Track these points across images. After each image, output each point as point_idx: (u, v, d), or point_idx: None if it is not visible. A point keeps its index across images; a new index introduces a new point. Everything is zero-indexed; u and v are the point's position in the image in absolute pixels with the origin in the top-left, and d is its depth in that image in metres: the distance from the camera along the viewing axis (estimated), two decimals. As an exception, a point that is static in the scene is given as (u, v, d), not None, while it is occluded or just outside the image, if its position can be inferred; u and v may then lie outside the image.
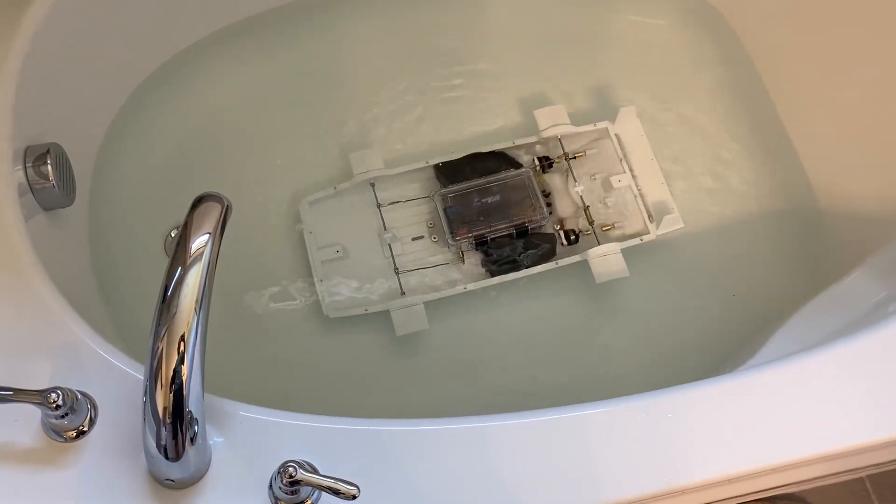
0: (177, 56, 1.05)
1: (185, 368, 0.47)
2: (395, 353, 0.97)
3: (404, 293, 0.97)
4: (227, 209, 0.52)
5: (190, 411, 0.49)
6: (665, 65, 1.16)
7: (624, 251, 0.98)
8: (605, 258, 0.97)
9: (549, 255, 0.99)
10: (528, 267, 0.98)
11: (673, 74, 1.15)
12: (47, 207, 0.75)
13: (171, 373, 0.47)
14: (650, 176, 1.04)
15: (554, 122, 1.04)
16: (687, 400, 0.61)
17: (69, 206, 0.77)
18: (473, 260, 1.00)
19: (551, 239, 1.00)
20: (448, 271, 1.00)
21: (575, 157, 1.04)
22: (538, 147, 1.06)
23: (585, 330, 1.00)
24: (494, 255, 0.99)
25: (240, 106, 1.09)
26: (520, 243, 0.99)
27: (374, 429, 0.59)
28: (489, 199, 1.00)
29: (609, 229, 1.01)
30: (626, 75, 1.14)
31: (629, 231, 1.02)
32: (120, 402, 0.58)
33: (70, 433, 0.56)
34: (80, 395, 0.55)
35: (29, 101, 0.74)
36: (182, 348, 0.47)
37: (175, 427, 0.48)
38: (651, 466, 0.58)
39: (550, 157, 1.05)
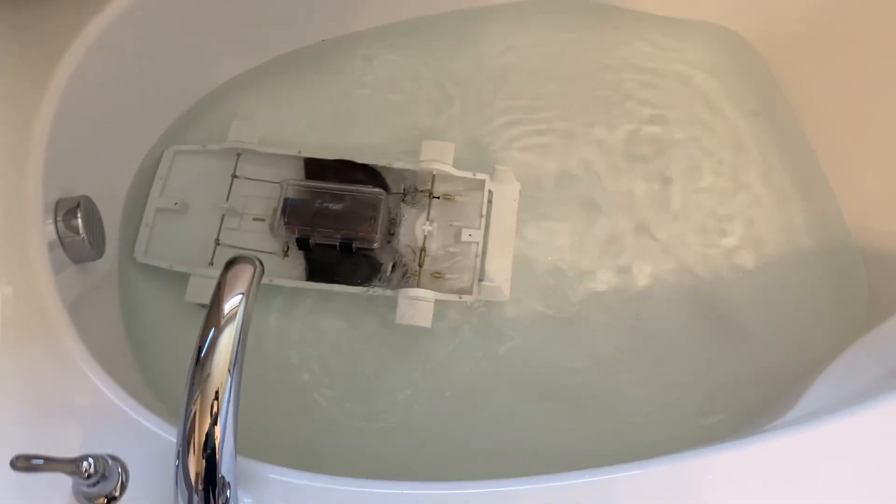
0: (198, 102, 1.07)
1: (217, 432, 0.46)
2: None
3: (212, 264, 0.96)
4: (258, 270, 0.52)
5: (223, 476, 0.47)
6: (704, 109, 1.15)
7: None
8: (415, 302, 0.93)
9: (366, 280, 0.96)
10: (339, 283, 0.95)
11: (712, 119, 1.14)
12: (77, 260, 0.74)
13: (204, 437, 0.46)
14: (502, 242, 0.99)
15: (436, 158, 1.02)
16: (717, 462, 0.58)
17: (99, 258, 0.76)
18: (295, 259, 0.98)
19: (376, 265, 0.97)
20: (267, 260, 0.98)
21: (439, 198, 1.01)
22: (413, 176, 1.03)
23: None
24: (314, 261, 0.96)
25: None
26: (343, 258, 0.96)
27: (413, 492, 0.57)
28: (331, 206, 0.98)
29: (439, 277, 0.97)
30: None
31: (456, 286, 0.97)
32: (151, 466, 0.56)
33: (101, 500, 0.55)
34: (110, 461, 0.54)
35: (59, 154, 0.73)
36: (216, 411, 0.46)
37: (207, 493, 0.47)
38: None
39: (419, 189, 1.02)
